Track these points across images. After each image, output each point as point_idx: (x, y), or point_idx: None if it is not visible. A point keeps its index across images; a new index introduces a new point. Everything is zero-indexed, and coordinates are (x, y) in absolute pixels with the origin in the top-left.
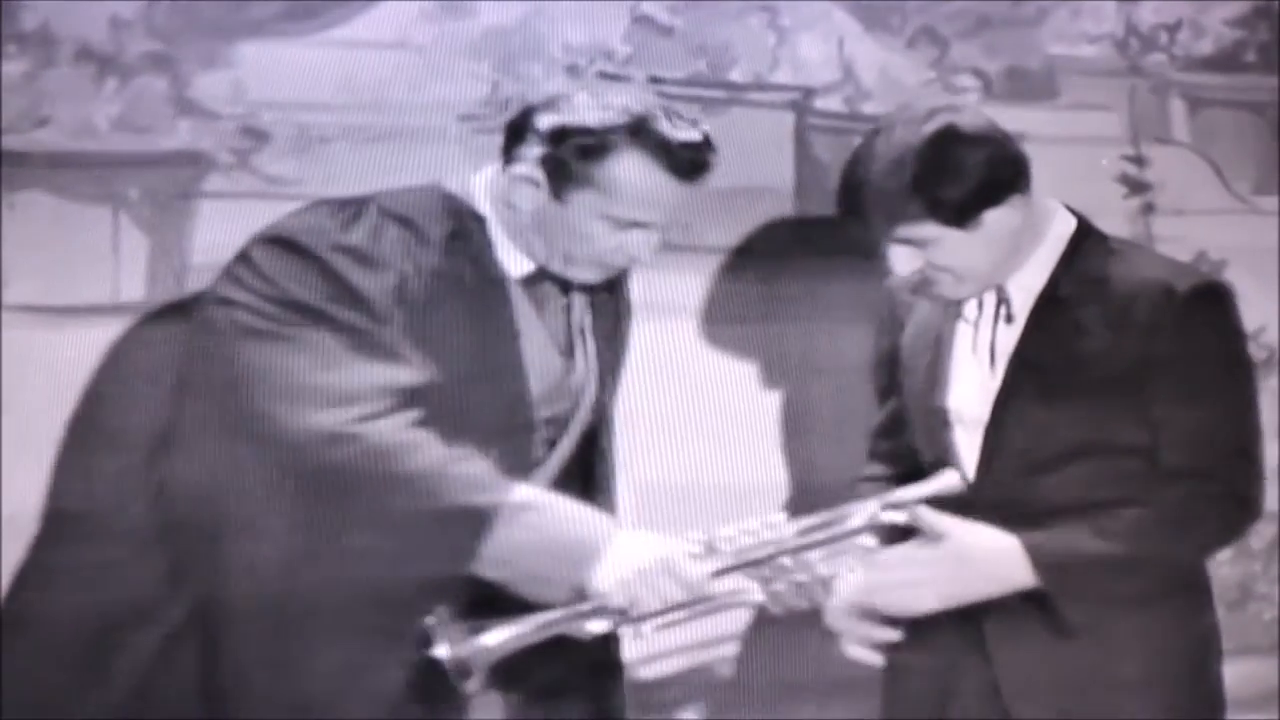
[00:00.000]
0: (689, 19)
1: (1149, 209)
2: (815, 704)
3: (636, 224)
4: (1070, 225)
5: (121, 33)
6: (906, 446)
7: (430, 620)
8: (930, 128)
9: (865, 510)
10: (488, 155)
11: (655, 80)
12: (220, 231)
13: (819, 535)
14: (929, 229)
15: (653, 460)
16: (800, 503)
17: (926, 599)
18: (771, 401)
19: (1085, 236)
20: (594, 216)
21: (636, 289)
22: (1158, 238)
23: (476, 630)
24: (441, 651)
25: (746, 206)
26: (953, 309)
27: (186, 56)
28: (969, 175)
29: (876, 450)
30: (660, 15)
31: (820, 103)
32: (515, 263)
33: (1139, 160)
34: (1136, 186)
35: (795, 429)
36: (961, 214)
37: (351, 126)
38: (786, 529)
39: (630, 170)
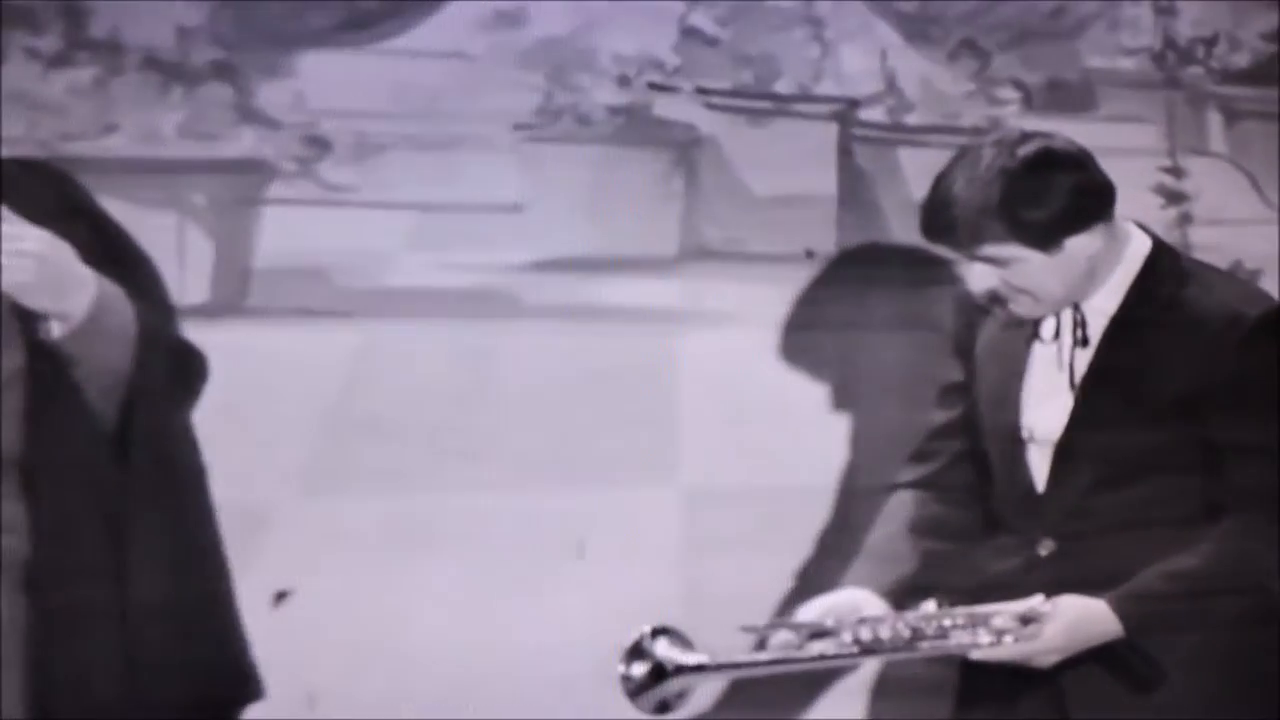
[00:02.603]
0: (736, 31)
1: (1186, 219)
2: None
3: None
4: (1145, 247)
5: (187, 42)
6: (960, 452)
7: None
8: (1025, 151)
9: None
10: (540, 164)
11: (702, 91)
12: (282, 238)
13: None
14: (1011, 249)
15: (704, 465)
16: (854, 506)
17: (1050, 659)
18: (821, 406)
19: (1159, 258)
20: None
21: (684, 298)
22: (1195, 247)
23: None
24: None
25: (791, 216)
26: (1028, 329)
27: (249, 66)
28: (1057, 200)
29: (924, 450)
30: (708, 27)
31: (863, 114)
32: None
33: (1176, 171)
34: (1174, 197)
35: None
36: (1045, 237)
37: (408, 135)
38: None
39: None
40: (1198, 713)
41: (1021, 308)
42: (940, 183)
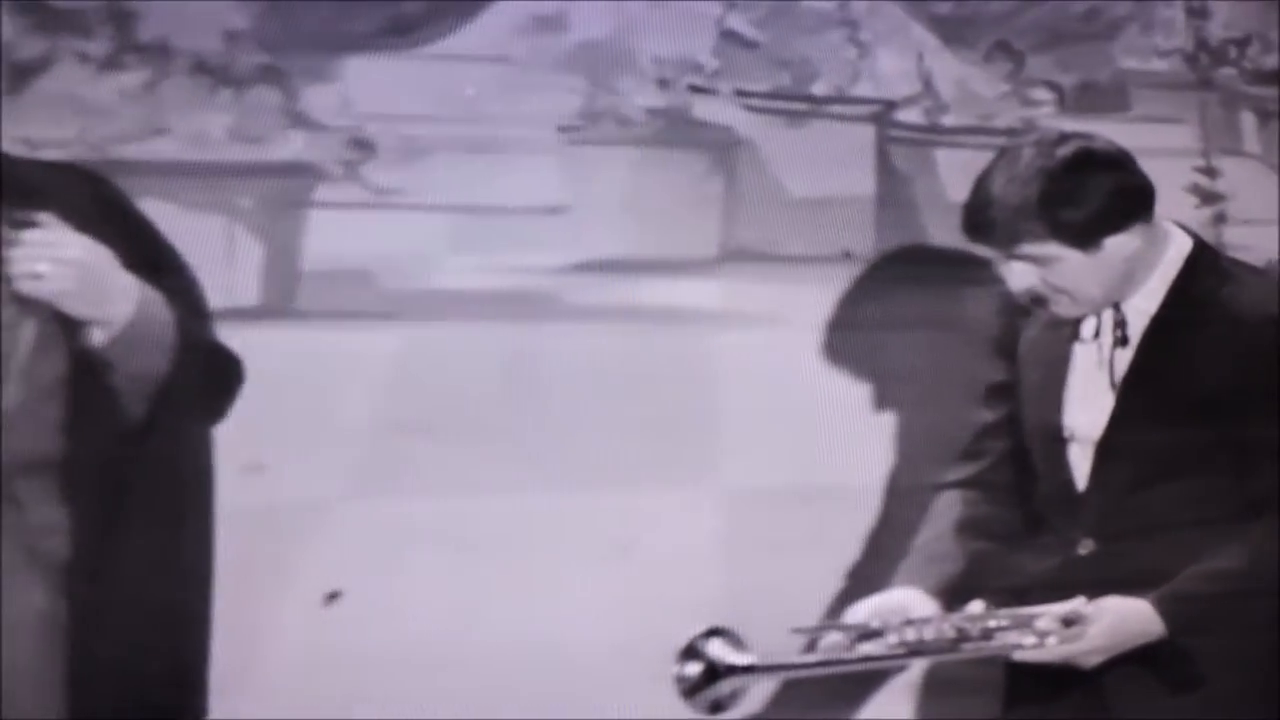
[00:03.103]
0: (773, 34)
1: (1220, 219)
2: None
3: None
4: (1186, 247)
5: (234, 46)
6: (1006, 451)
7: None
8: (1064, 151)
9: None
10: (581, 166)
11: (741, 93)
12: (329, 240)
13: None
14: (1050, 249)
15: (745, 465)
16: (899, 506)
17: (1093, 659)
18: (861, 406)
19: (1199, 258)
20: None
21: (723, 299)
22: (1229, 247)
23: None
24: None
25: (829, 217)
26: (1070, 329)
27: (296, 70)
28: (1096, 200)
29: (971, 450)
30: (746, 30)
31: (900, 115)
32: None
33: (1210, 171)
34: (1208, 197)
35: (887, 433)
36: (1084, 237)
37: (452, 138)
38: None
39: None
40: (1238, 713)
41: (1060, 307)
42: (981, 182)
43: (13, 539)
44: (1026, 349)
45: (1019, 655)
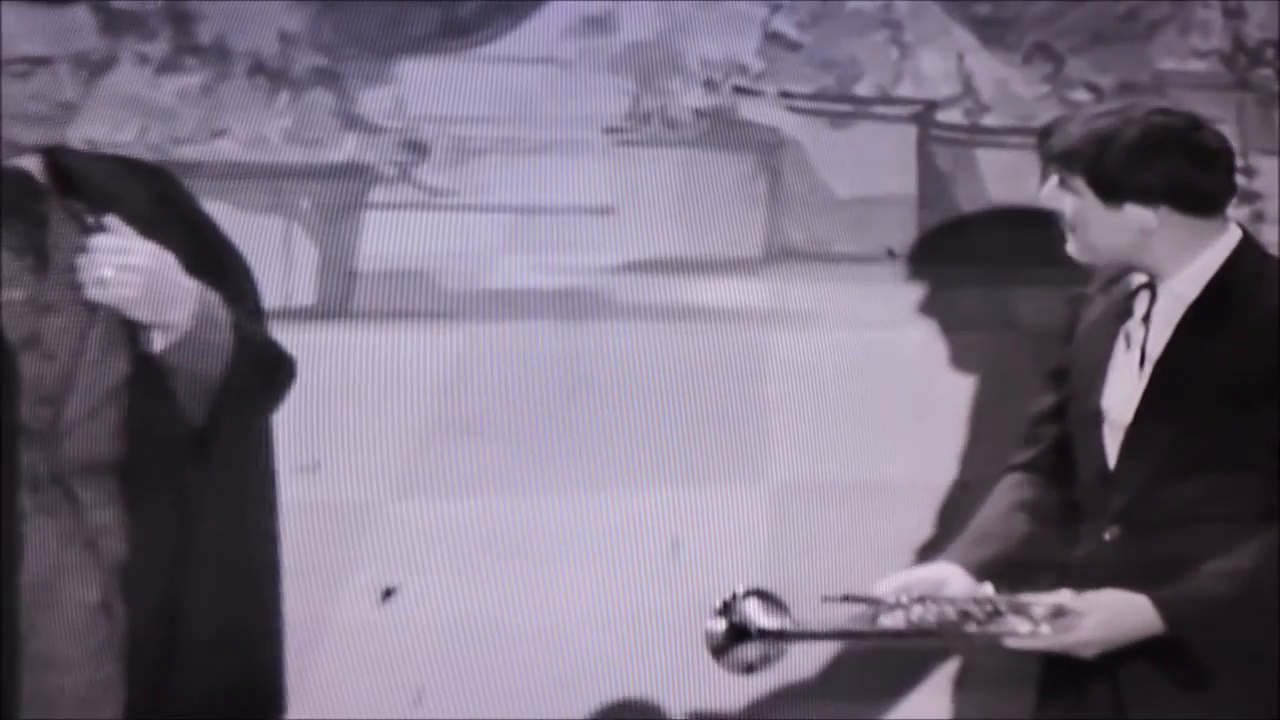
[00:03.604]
0: (817, 35)
1: (1258, 218)
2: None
3: None
4: (1234, 240)
5: (290, 48)
6: (1056, 437)
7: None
8: (1159, 118)
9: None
10: (630, 166)
11: (785, 95)
12: (384, 241)
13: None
14: (1079, 183)
15: (792, 461)
16: (952, 501)
17: (1089, 651)
18: (907, 402)
19: (1244, 253)
20: None
21: (770, 297)
22: (1266, 245)
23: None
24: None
25: (872, 215)
26: (1123, 310)
27: (351, 72)
28: (1144, 169)
29: (1029, 435)
30: (790, 32)
31: (941, 115)
32: None
33: (1248, 171)
34: (1245, 196)
35: (933, 428)
36: (1108, 189)
37: (503, 139)
38: (985, 601)
39: None
40: (1251, 711)
41: (1069, 244)
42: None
43: (70, 538)
44: (1080, 333)
45: (1013, 643)
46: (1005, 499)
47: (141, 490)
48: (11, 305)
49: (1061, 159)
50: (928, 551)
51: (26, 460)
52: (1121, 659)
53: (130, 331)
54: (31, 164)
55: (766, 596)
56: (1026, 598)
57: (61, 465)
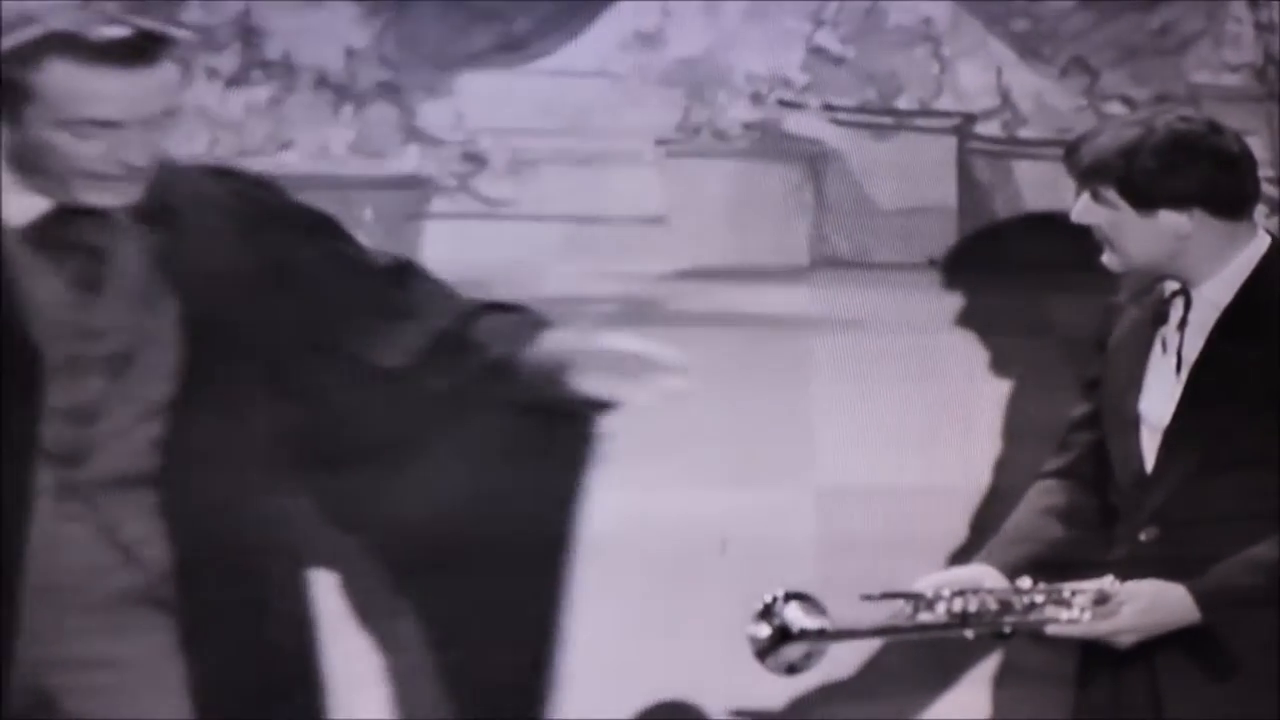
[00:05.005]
0: (860, 50)
1: None
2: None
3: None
4: (1264, 246)
5: (355, 63)
6: (1092, 443)
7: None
8: (1182, 125)
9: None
10: (680, 177)
11: (829, 108)
12: (445, 250)
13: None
14: (1112, 194)
15: (837, 465)
16: (991, 503)
17: (1127, 639)
18: (948, 407)
19: (1275, 259)
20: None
21: (816, 304)
22: None
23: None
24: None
25: (913, 226)
26: (1158, 316)
27: (413, 86)
28: (1170, 171)
29: (1064, 441)
30: (833, 46)
31: (980, 128)
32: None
33: (1278, 181)
34: (1277, 206)
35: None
36: (1143, 198)
37: (558, 150)
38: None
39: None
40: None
41: (1106, 256)
42: (1110, 120)
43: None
44: (1116, 340)
45: (1053, 630)
46: (1038, 503)
47: (178, 504)
48: (60, 326)
49: (1092, 173)
50: (961, 556)
51: (56, 474)
52: (1158, 648)
53: None
54: (109, 198)
55: (804, 598)
56: (1066, 586)
57: (92, 478)
